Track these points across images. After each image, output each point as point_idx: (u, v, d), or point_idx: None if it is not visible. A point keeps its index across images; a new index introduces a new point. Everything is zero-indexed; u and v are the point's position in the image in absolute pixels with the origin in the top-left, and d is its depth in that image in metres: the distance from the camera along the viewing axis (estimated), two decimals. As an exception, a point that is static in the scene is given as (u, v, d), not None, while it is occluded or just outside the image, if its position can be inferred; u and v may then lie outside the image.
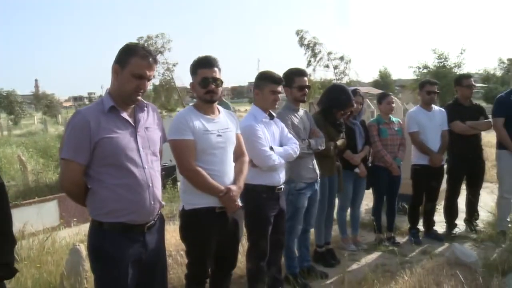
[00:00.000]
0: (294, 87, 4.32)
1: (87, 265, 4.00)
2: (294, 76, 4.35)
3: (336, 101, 4.75)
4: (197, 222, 3.18)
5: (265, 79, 3.85)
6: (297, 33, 35.78)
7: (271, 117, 3.91)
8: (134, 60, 2.56)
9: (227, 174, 3.21)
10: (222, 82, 3.23)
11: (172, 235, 5.10)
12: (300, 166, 4.25)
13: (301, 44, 35.91)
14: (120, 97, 2.61)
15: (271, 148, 3.74)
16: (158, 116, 2.88)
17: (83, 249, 4.15)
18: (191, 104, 3.39)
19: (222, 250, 3.30)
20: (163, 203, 2.83)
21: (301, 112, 4.47)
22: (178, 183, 7.38)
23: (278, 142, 3.91)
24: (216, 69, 3.18)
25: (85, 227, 4.12)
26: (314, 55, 35.54)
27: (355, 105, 4.97)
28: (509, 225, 5.80)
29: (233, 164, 3.29)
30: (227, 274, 3.51)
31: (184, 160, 3.11)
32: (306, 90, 4.37)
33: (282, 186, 3.91)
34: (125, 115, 2.62)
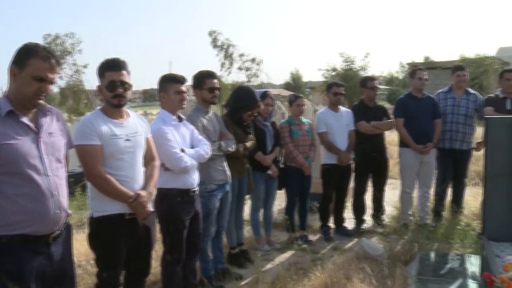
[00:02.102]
0: (205, 89, 4.33)
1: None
2: (204, 77, 4.36)
3: (242, 102, 4.79)
4: (106, 230, 3.08)
5: (168, 80, 3.81)
6: (210, 34, 35.61)
7: (180, 119, 3.89)
8: (34, 61, 2.42)
9: (136, 179, 3.14)
10: (130, 85, 3.14)
11: (82, 244, 4.88)
12: (210, 168, 4.26)
13: (215, 46, 35.83)
14: (19, 100, 2.46)
15: (183, 150, 3.72)
16: (63, 121, 2.76)
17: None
18: (98, 107, 3.27)
19: (134, 258, 3.24)
20: (70, 211, 2.71)
21: (211, 114, 4.48)
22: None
23: (189, 144, 3.89)
24: (124, 72, 3.09)
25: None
26: (227, 56, 35.55)
27: (261, 106, 5.04)
28: (411, 218, 6.18)
29: (143, 169, 3.23)
30: (140, 281, 3.45)
31: (90, 166, 3.00)
32: (216, 92, 4.39)
33: (197, 189, 3.90)
34: (25, 120, 2.47)
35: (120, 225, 3.08)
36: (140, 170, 3.21)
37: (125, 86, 3.09)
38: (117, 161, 3.06)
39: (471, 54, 26.43)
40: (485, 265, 3.75)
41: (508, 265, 2.85)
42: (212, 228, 4.42)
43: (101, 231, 3.10)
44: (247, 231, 5.60)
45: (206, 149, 3.93)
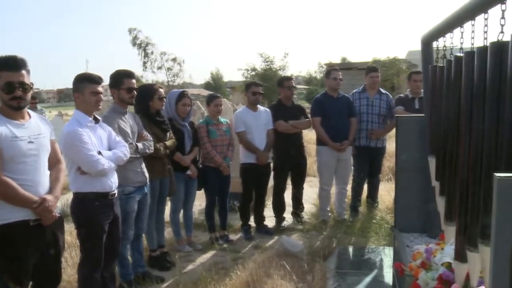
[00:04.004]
0: (122, 89, 4.20)
1: None
2: (122, 77, 4.23)
3: (143, 95, 4.64)
4: (10, 238, 2.89)
5: (83, 80, 3.58)
6: (130, 31, 34.64)
7: (97, 120, 3.72)
8: None
9: (41, 183, 2.98)
10: (31, 86, 2.94)
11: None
12: (128, 170, 4.14)
13: (134, 44, 34.91)
14: None
15: (100, 153, 3.58)
16: None
17: None
18: None
19: (42, 266, 3.06)
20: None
21: (128, 115, 4.36)
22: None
23: (107, 146, 3.73)
24: (23, 72, 2.88)
25: None
26: (147, 55, 34.72)
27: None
28: (329, 214, 6.35)
29: (48, 173, 3.07)
30: None
31: None
32: (135, 92, 4.28)
33: (116, 192, 3.76)
34: None
35: (25, 233, 2.91)
36: (45, 173, 3.05)
37: (25, 87, 2.88)
38: (19, 165, 2.88)
39: (383, 56, 27.66)
40: (397, 256, 3.92)
41: (416, 254, 2.99)
42: (130, 231, 4.30)
43: (5, 240, 2.90)
44: (167, 232, 5.51)
45: (124, 151, 3.80)
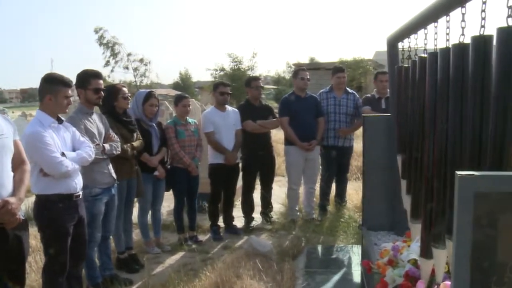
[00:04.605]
0: (89, 89, 4.12)
1: None
2: (89, 77, 4.15)
3: (107, 95, 4.51)
4: None
5: (57, 83, 3.49)
6: (96, 30, 34.06)
7: (60, 121, 3.62)
8: None
9: (3, 185, 2.89)
10: None
11: None
12: (94, 172, 4.08)
13: (100, 43, 34.35)
14: None
15: (63, 154, 3.51)
16: None
17: None
18: None
19: (5, 271, 2.98)
20: None
21: (94, 115, 4.29)
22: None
23: (71, 147, 3.65)
24: None
25: None
26: (113, 55, 34.20)
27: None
28: (298, 213, 6.39)
29: (11, 174, 2.98)
30: None
31: None
32: (102, 93, 4.22)
33: (80, 193, 3.68)
34: None
35: None
36: (9, 175, 2.96)
37: None
38: None
39: (350, 56, 28.04)
40: (365, 254, 3.98)
41: (383, 252, 3.03)
42: (98, 234, 4.23)
43: None
44: (135, 234, 5.45)
45: (88, 151, 3.73)
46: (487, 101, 1.58)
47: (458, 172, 1.16)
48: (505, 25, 1.47)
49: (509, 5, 1.47)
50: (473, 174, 1.15)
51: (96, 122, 4.23)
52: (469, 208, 1.14)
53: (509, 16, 1.47)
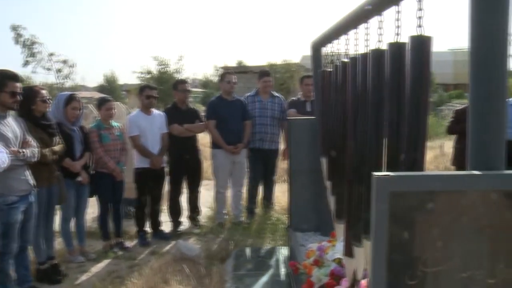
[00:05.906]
0: (5, 92, 3.89)
1: None
2: (5, 79, 3.91)
3: (24, 99, 4.27)
4: None
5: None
6: (13, 28, 32.38)
7: None
8: None
9: None
10: None
11: None
12: (10, 178, 3.85)
13: (17, 42, 32.68)
14: None
15: None
16: None
17: None
18: None
19: None
20: None
21: (9, 119, 4.07)
22: None
23: None
24: None
25: None
26: (33, 55, 32.64)
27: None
28: (226, 216, 6.40)
29: None
30: None
31: None
32: (18, 97, 4.01)
33: None
34: None
35: None
36: None
37: None
38: None
39: (278, 60, 28.40)
40: (292, 255, 4.05)
41: (309, 252, 3.10)
42: (14, 244, 3.99)
43: None
44: (58, 243, 5.23)
45: (2, 157, 3.55)
46: (403, 103, 1.66)
47: (375, 173, 1.21)
48: (416, 33, 1.57)
49: (418, 16, 1.58)
50: (388, 175, 1.21)
51: (11, 125, 4.02)
52: (385, 206, 1.19)
53: (418, 26, 1.57)
